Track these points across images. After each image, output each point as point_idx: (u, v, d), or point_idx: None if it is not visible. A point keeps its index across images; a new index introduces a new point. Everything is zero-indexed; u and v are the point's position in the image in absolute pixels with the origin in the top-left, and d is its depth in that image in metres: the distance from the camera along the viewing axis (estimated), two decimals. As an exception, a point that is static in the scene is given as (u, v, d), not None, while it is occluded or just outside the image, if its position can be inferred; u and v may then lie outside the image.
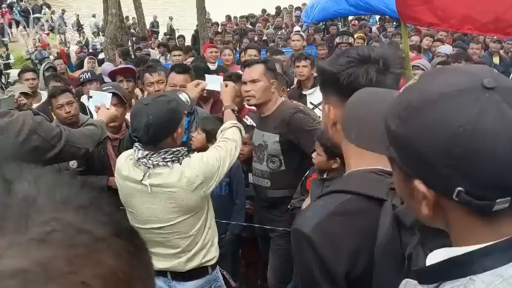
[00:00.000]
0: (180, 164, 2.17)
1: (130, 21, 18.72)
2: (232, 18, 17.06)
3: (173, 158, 2.16)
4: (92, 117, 4.75)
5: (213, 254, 2.38)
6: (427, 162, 0.74)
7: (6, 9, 22.11)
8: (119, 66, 4.66)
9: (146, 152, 2.16)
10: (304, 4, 17.04)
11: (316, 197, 1.31)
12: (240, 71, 3.57)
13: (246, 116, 3.52)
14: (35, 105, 4.88)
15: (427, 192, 0.76)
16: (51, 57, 14.02)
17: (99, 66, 8.51)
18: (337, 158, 2.59)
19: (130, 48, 11.08)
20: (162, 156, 2.15)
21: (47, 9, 22.72)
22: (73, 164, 3.32)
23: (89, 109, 5.39)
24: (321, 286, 1.09)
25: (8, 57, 16.09)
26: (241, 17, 16.22)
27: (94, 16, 20.95)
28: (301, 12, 16.26)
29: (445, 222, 0.80)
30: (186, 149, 2.28)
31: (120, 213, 0.45)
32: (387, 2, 5.50)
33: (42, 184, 0.40)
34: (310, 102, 4.56)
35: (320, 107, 4.38)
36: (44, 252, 0.35)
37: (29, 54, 15.90)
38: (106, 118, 2.77)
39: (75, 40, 19.49)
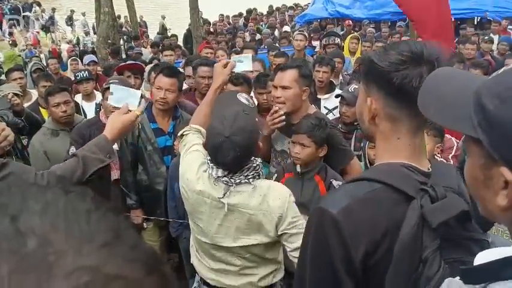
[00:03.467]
0: (260, 177, 2.06)
1: (122, 20, 18.60)
2: (224, 17, 17.02)
3: (254, 175, 2.04)
4: (86, 117, 4.73)
5: (282, 272, 2.27)
6: None
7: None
8: (127, 62, 4.61)
9: (227, 172, 2.02)
10: (296, 4, 17.11)
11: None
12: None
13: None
14: (26, 105, 4.81)
15: None
16: (42, 56, 13.92)
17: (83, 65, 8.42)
18: (325, 145, 2.64)
19: (122, 47, 11.03)
20: (245, 174, 2.03)
21: (37, 8, 22.46)
22: (72, 150, 3.29)
23: (83, 109, 5.36)
24: (335, 267, 1.10)
25: (-4, 56, 15.89)
26: (234, 16, 16.17)
27: (84, 14, 20.78)
28: (294, 11, 16.32)
29: None
30: (261, 160, 2.15)
31: (143, 240, 0.40)
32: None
33: (55, 217, 0.34)
34: (325, 107, 4.52)
35: (334, 111, 4.37)
36: None
37: (20, 52, 15.73)
38: (115, 128, 1.98)
39: (66, 39, 19.33)
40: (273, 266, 2.19)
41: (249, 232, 2.05)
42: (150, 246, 0.40)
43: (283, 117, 2.80)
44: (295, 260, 1.96)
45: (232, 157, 1.95)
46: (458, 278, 0.82)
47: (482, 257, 0.78)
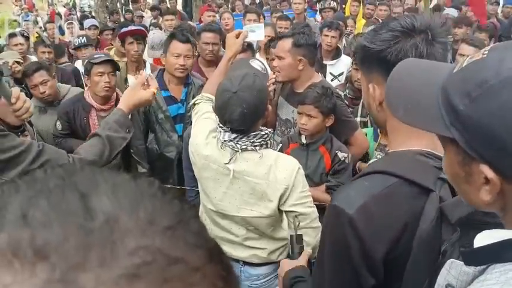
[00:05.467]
0: (268, 147, 2.04)
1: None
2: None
3: (262, 142, 2.01)
4: (84, 87, 4.62)
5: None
6: (501, 147, 0.69)
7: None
8: (129, 28, 4.50)
9: (234, 135, 1.99)
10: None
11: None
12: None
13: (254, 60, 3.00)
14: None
15: (494, 178, 0.72)
16: (39, 19, 13.70)
17: (81, 30, 8.29)
18: (332, 114, 2.63)
19: (119, 10, 10.83)
20: (251, 140, 2.00)
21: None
22: (58, 125, 3.32)
23: (83, 75, 5.29)
24: (356, 265, 1.08)
25: (-7, 20, 15.65)
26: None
27: (81, -24, 20.34)
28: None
29: (501, 206, 0.77)
30: (272, 131, 2.13)
31: (206, 229, 0.41)
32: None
33: (123, 198, 0.35)
34: (330, 73, 4.47)
35: (340, 77, 4.32)
36: None
37: (16, 16, 15.48)
38: (131, 104, 2.00)
39: (62, 2, 19.00)
40: (279, 242, 2.19)
41: (252, 203, 2.05)
42: (212, 237, 0.41)
43: (273, 81, 2.80)
44: (310, 232, 1.96)
45: (238, 113, 1.93)
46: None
47: (481, 239, 0.77)
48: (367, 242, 1.06)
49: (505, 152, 0.69)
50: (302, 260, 1.56)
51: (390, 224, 1.06)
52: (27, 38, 6.53)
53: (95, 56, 3.30)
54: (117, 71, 3.40)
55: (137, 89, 2.01)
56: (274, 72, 2.87)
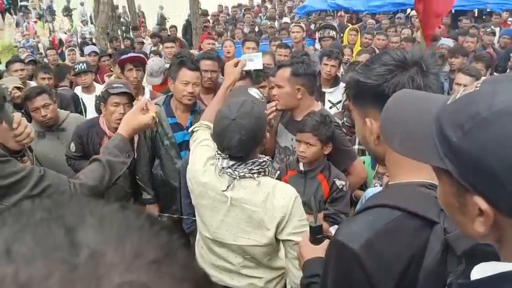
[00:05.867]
0: (266, 175, 2.03)
1: (120, 10, 18.47)
2: (223, 8, 16.91)
3: (259, 170, 2.01)
4: (85, 115, 4.63)
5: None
6: (494, 179, 0.69)
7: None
8: (129, 55, 4.54)
9: (232, 162, 2.00)
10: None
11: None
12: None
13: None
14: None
15: (488, 210, 0.71)
16: (41, 46, 13.85)
17: (81, 56, 8.37)
18: (330, 142, 2.63)
19: (120, 37, 10.96)
20: (249, 168, 2.00)
21: (34, -3, 22.31)
22: (72, 147, 3.34)
23: (82, 101, 5.30)
24: None
25: (-6, 46, 15.85)
26: (233, 7, 16.06)
27: (82, 4, 20.64)
28: (293, 2, 16.25)
29: (497, 238, 0.76)
30: (270, 159, 2.15)
31: (195, 259, 0.40)
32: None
33: (109, 231, 0.35)
34: (329, 101, 4.51)
35: (338, 105, 4.34)
36: None
37: (17, 42, 15.66)
38: (130, 129, 1.99)
39: (63, 28, 19.24)
40: (276, 272, 2.16)
41: (249, 231, 2.03)
42: (201, 267, 0.40)
43: (274, 106, 2.82)
44: (293, 270, 1.96)
45: (237, 140, 1.93)
46: None
47: (479, 271, 0.76)
48: (373, 276, 1.04)
49: (498, 184, 0.69)
50: (321, 251, 1.51)
51: (396, 259, 1.05)
52: (34, 62, 6.60)
53: (114, 86, 3.30)
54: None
55: (136, 113, 2.01)
56: (273, 100, 2.88)
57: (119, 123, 3.14)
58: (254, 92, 2.36)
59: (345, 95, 3.89)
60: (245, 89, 2.44)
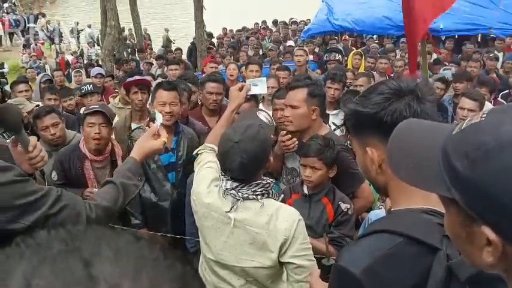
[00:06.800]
0: (270, 197, 2.05)
1: (126, 33, 18.69)
2: (228, 31, 17.09)
3: (263, 192, 2.02)
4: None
5: None
6: (501, 209, 0.69)
7: (6, 18, 21.99)
8: (134, 78, 4.59)
9: (236, 184, 2.02)
10: (305, 20, 17.17)
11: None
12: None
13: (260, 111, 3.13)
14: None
15: (496, 240, 0.71)
16: (47, 67, 13.99)
17: (87, 77, 8.44)
18: (335, 165, 2.64)
19: (126, 59, 11.08)
20: (253, 189, 2.01)
21: (42, 19, 22.62)
22: (54, 176, 3.32)
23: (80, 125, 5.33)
24: None
25: (2, 66, 15.98)
26: (238, 30, 16.23)
27: (90, 26, 20.91)
28: (297, 26, 16.39)
29: (505, 268, 0.76)
30: (274, 181, 2.16)
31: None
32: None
33: (125, 264, 0.35)
34: (333, 123, 4.52)
35: (342, 128, 4.36)
36: None
37: (24, 63, 15.82)
38: (142, 153, 2.06)
39: (70, 50, 19.45)
40: None
41: (252, 253, 2.03)
42: None
43: (296, 140, 2.83)
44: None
45: (238, 163, 1.95)
46: None
47: None
48: None
49: (505, 214, 0.69)
50: None
51: (398, 285, 1.04)
52: (50, 81, 6.63)
53: (90, 107, 3.36)
54: (112, 123, 3.40)
55: (149, 138, 2.08)
56: (280, 123, 2.91)
57: (97, 144, 3.23)
58: (263, 115, 2.41)
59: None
60: (254, 112, 2.47)
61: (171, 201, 3.33)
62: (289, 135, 2.87)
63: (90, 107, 3.38)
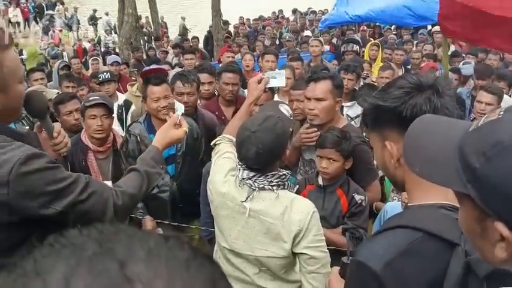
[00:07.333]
0: (285, 188, 2.07)
1: (143, 21, 18.73)
2: (245, 20, 17.03)
3: (279, 183, 2.04)
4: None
5: None
6: None
7: (25, 5, 22.17)
8: (151, 67, 4.60)
9: (252, 174, 2.04)
10: (323, 10, 17.02)
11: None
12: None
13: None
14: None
15: (509, 236, 0.72)
16: (65, 54, 14.10)
17: (104, 65, 8.47)
18: (351, 157, 2.64)
19: (142, 47, 11.12)
20: (269, 180, 2.03)
21: (60, 6, 22.77)
22: None
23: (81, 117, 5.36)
24: None
25: (20, 53, 16.15)
26: (255, 19, 16.18)
27: (107, 14, 21.01)
28: (315, 16, 16.26)
29: None
30: (290, 172, 2.17)
31: (231, 286, 0.42)
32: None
33: (158, 265, 0.36)
34: (347, 115, 4.49)
35: (356, 120, 4.34)
36: None
37: (42, 50, 15.98)
38: (164, 143, 2.10)
39: (88, 38, 19.57)
40: (291, 285, 2.15)
41: (267, 243, 2.05)
42: None
43: (318, 133, 2.82)
44: (307, 284, 1.99)
45: (254, 152, 1.97)
46: None
47: None
48: None
49: None
50: None
51: (417, 280, 1.05)
52: (68, 67, 6.67)
53: (90, 99, 3.31)
54: (111, 113, 3.37)
55: (170, 128, 2.11)
56: (300, 114, 2.87)
57: (100, 134, 3.23)
58: (284, 108, 2.39)
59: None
60: (276, 105, 2.48)
61: (170, 193, 3.34)
62: (314, 128, 2.85)
63: (90, 99, 3.32)
